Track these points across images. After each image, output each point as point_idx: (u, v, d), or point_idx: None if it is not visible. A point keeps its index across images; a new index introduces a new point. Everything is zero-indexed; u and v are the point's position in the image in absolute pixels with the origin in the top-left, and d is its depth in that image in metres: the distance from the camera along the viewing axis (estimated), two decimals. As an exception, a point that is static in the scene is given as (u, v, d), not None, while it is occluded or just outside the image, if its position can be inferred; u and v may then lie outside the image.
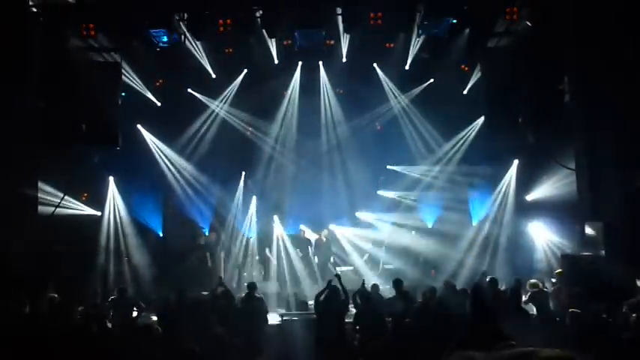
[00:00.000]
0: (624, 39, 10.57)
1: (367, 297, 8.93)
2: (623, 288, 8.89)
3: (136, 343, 6.72)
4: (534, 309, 9.77)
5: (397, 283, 9.42)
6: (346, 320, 8.94)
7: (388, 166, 16.49)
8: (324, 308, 8.67)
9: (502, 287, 10.55)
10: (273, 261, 14.75)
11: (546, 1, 11.11)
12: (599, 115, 11.05)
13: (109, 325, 8.31)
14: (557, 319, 9.07)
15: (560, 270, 10.58)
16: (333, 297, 8.79)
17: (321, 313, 8.68)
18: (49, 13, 11.53)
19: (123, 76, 12.78)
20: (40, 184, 12.19)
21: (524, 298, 9.75)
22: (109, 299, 10.60)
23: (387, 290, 11.42)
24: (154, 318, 9.76)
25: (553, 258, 12.97)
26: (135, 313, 10.08)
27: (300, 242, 15.28)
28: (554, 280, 10.34)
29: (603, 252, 10.61)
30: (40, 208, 12.03)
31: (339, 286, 8.90)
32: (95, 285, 12.51)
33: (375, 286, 10.43)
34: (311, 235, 15.53)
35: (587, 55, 11.10)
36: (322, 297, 8.79)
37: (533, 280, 10.13)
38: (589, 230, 10.89)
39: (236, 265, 14.96)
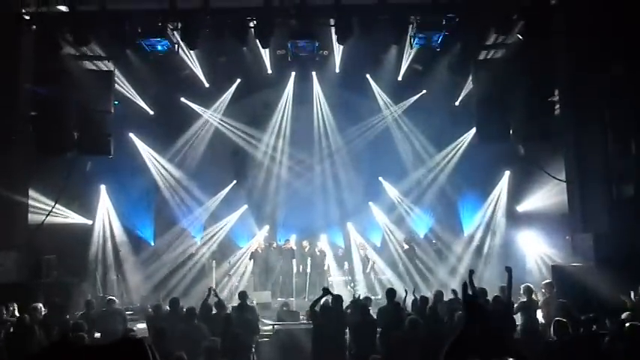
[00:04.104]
0: (615, 53, 10.69)
1: (362, 308, 8.86)
2: (610, 301, 8.93)
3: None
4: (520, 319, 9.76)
5: (390, 293, 9.37)
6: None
7: (380, 178, 16.52)
8: (322, 318, 8.54)
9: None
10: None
11: (538, 14, 11.20)
12: (589, 126, 11.15)
13: (97, 335, 8.23)
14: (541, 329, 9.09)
15: (549, 281, 10.59)
16: (333, 306, 8.71)
17: (320, 324, 8.54)
18: (42, 22, 11.50)
19: (116, 85, 12.75)
20: (31, 192, 12.11)
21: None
22: (99, 310, 10.48)
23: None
24: (141, 327, 9.70)
25: (543, 268, 13.00)
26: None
27: (283, 253, 15.24)
28: (543, 291, 10.33)
29: (593, 263, 10.67)
30: (31, 217, 11.94)
31: (332, 296, 8.82)
32: (85, 295, 12.37)
33: (367, 299, 10.39)
34: (302, 245, 15.49)
35: (577, 68, 11.22)
36: (318, 306, 8.68)
37: (526, 285, 10.08)
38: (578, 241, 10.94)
39: (227, 275, 14.87)
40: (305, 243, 15.43)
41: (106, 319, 9.52)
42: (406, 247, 15.34)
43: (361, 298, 10.48)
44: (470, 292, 5.23)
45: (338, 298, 8.76)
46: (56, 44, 11.60)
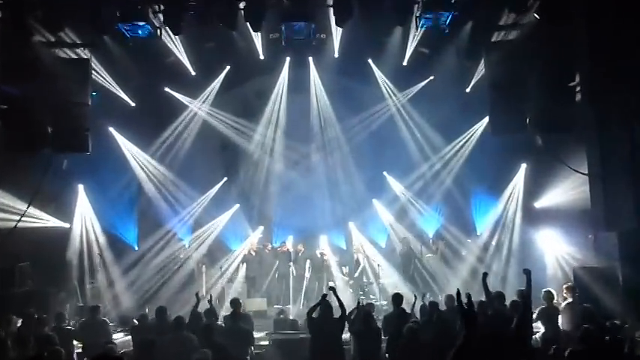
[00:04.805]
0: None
1: (367, 316, 8.87)
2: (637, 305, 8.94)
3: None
4: (541, 326, 9.77)
5: (397, 299, 9.37)
6: (344, 340, 8.86)
7: (384, 173, 16.51)
8: (318, 326, 8.57)
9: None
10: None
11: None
12: (613, 115, 11.10)
13: (79, 350, 8.21)
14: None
15: (571, 284, 10.59)
16: (328, 313, 8.72)
17: (316, 333, 8.58)
18: (9, 6, 11.41)
19: (93, 74, 12.68)
20: (1, 194, 12.07)
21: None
22: (80, 320, 10.48)
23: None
24: (128, 338, 9.68)
25: (564, 269, 13.02)
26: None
27: (279, 256, 15.22)
28: (564, 295, 10.34)
29: (618, 263, 10.67)
30: (1, 221, 11.89)
31: (335, 300, 8.83)
32: (64, 304, 12.37)
33: (370, 305, 10.39)
34: (296, 249, 15.49)
35: (601, 50, 11.15)
36: (316, 314, 8.70)
37: (547, 290, 10.08)
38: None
39: (219, 280, 14.87)
40: (300, 246, 15.41)
41: (90, 330, 9.49)
42: (400, 246, 15.36)
43: (364, 303, 10.47)
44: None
45: (328, 305, 8.75)
46: (26, 31, 11.49)
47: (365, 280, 15.07)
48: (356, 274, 15.16)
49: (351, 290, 14.62)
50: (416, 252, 15.37)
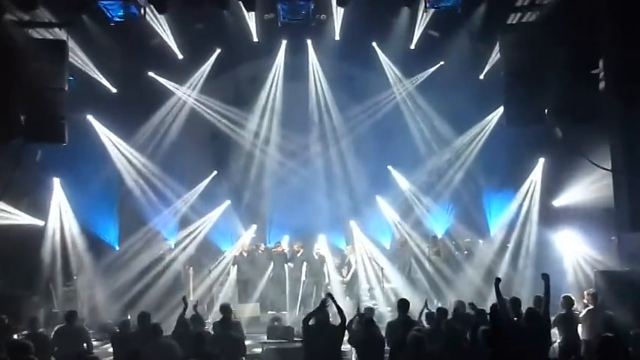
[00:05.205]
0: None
1: (369, 323, 8.88)
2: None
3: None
4: (558, 335, 9.79)
5: (402, 305, 9.37)
6: (343, 350, 8.88)
7: (389, 167, 16.55)
8: (316, 335, 8.58)
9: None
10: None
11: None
12: (639, 105, 11.10)
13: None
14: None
15: (592, 289, 10.61)
16: (327, 321, 8.74)
17: (313, 342, 8.58)
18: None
19: (70, 57, 12.65)
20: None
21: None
22: (55, 328, 10.46)
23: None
24: (110, 349, 9.67)
25: (585, 274, 13.04)
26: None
27: (273, 258, 15.24)
28: (585, 301, 10.36)
29: (645, 268, 10.68)
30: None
31: (333, 307, 8.84)
32: (37, 309, 12.35)
33: (369, 310, 10.41)
34: (293, 249, 15.49)
35: (626, 35, 11.14)
36: (313, 321, 8.70)
37: (566, 295, 10.10)
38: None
39: (207, 284, 14.88)
40: (297, 246, 15.41)
41: (66, 339, 9.48)
42: (399, 247, 15.41)
43: (363, 309, 10.47)
44: (497, 310, 5.28)
45: (327, 312, 8.76)
46: (-3, 8, 11.47)
47: (367, 284, 15.06)
48: (347, 278, 15.14)
49: (348, 297, 14.65)
50: (416, 254, 15.34)
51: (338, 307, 8.68)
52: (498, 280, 8.26)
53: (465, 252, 15.30)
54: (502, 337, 5.20)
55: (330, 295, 9.04)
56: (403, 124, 16.15)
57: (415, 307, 9.95)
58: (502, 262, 14.97)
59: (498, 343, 4.87)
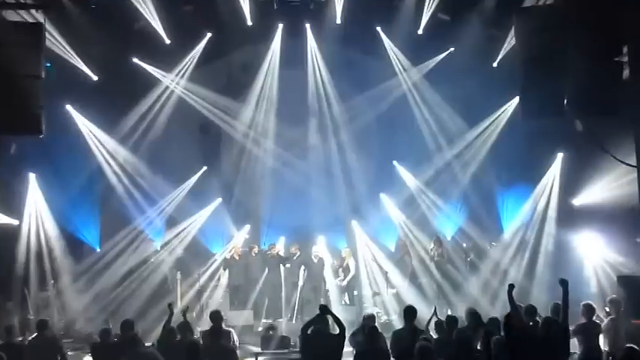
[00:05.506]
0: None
1: (372, 332, 8.89)
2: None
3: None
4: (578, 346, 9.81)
5: (409, 313, 9.35)
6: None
7: (395, 163, 16.56)
8: (313, 345, 8.58)
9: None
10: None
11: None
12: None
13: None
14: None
15: (615, 297, 10.62)
16: (326, 330, 8.74)
17: (310, 352, 8.59)
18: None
19: (47, 42, 12.62)
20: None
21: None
22: (29, 338, 10.47)
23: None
24: (89, 360, 9.69)
25: (607, 280, 13.06)
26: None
27: (267, 262, 15.24)
28: (607, 310, 10.38)
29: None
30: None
31: (329, 317, 8.85)
32: (11, 317, 12.37)
33: (370, 318, 10.41)
34: (290, 251, 15.50)
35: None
36: (311, 330, 8.71)
37: (586, 303, 10.11)
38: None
39: (196, 289, 14.89)
40: (294, 248, 15.41)
41: (36, 352, 9.47)
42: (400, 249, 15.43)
43: (365, 315, 10.46)
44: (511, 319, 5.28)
45: (326, 320, 8.76)
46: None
47: (371, 290, 15.07)
48: (344, 283, 15.12)
49: (344, 302, 14.65)
50: (420, 258, 15.35)
51: (335, 318, 8.69)
52: (512, 286, 8.25)
53: (472, 256, 15.30)
54: (516, 348, 5.19)
55: (324, 308, 8.99)
56: (409, 115, 16.15)
57: (421, 315, 9.93)
58: (516, 266, 14.97)
59: (512, 354, 4.86)
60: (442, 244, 15.38)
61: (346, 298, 15.13)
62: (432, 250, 15.21)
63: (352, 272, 15.16)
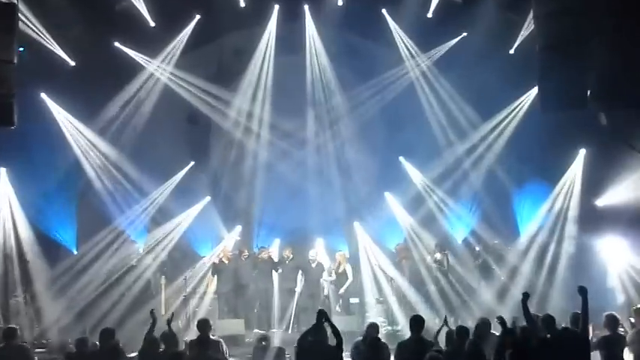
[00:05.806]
0: None
1: (374, 342, 8.89)
2: None
3: None
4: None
5: (416, 323, 9.36)
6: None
7: (401, 159, 16.55)
8: (309, 357, 8.58)
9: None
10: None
11: None
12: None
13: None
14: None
15: (641, 305, 10.63)
16: (323, 341, 8.74)
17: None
18: None
19: (20, 24, 12.58)
20: None
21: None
22: None
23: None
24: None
25: (635, 287, 13.06)
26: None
27: (259, 266, 15.21)
28: (632, 320, 10.38)
29: None
30: None
31: (327, 326, 8.84)
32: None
33: (372, 327, 10.41)
34: (284, 255, 15.47)
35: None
36: (308, 341, 8.71)
37: (609, 314, 10.11)
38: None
39: (182, 295, 14.88)
40: (287, 252, 15.35)
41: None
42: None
43: (367, 327, 10.46)
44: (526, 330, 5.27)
45: (322, 329, 8.75)
46: None
47: (379, 297, 15.06)
48: (341, 291, 15.05)
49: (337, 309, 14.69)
50: (422, 264, 15.34)
51: (332, 327, 8.67)
52: (526, 295, 8.24)
53: (481, 260, 15.29)
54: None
55: (323, 313, 8.98)
56: (417, 106, 16.14)
57: (428, 325, 9.93)
58: (532, 272, 14.94)
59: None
60: (444, 250, 15.29)
61: (340, 306, 15.05)
62: (433, 256, 15.20)
63: (350, 279, 15.09)
